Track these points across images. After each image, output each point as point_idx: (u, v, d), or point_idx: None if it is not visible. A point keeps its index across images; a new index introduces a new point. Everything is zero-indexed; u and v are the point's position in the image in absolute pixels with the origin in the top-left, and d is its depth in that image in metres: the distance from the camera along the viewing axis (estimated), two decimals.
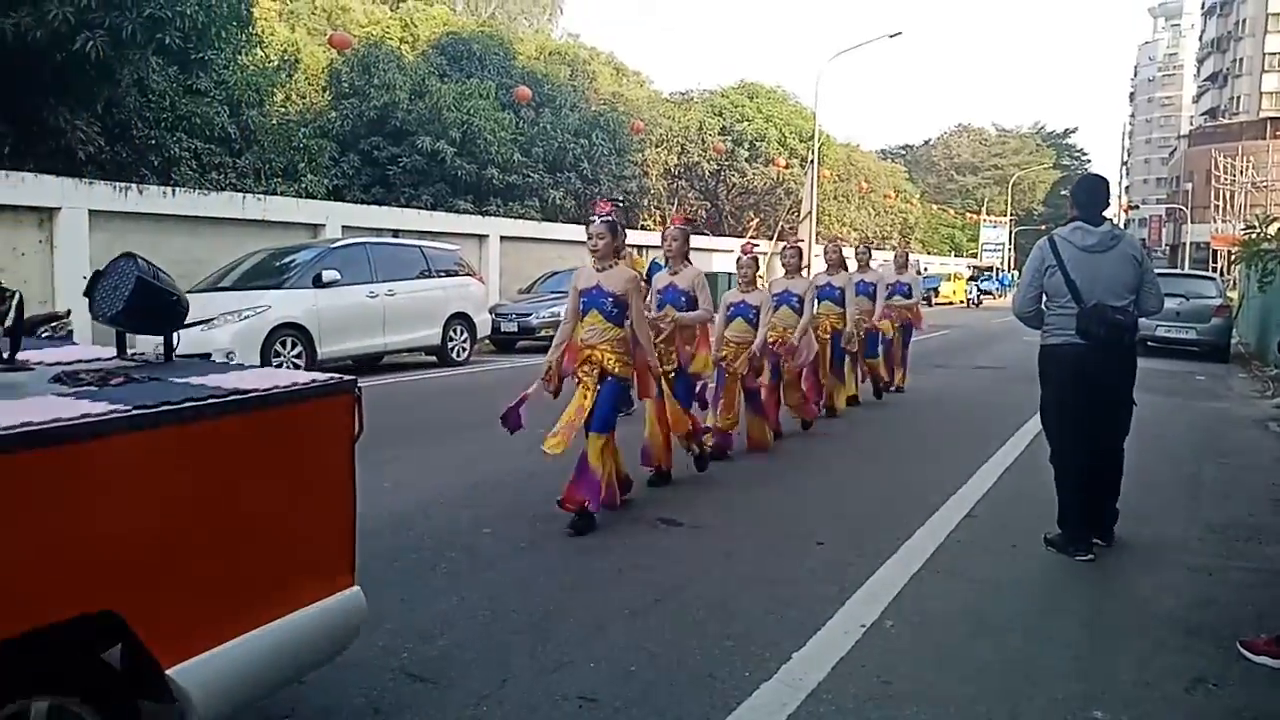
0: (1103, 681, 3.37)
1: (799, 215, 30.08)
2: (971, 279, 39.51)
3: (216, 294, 11.49)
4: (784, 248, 8.03)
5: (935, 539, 4.99)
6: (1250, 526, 5.49)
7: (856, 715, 3.06)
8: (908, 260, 11.36)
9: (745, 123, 33.97)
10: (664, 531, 5.14)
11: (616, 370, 5.18)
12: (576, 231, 23.12)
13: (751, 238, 33.25)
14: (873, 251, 10.42)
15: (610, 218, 5.27)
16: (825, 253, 9.16)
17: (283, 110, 20.38)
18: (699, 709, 3.08)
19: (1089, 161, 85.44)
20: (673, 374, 5.98)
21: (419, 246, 13.79)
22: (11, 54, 11.99)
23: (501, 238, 19.94)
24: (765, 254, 30.15)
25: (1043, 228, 68.52)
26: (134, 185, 13.18)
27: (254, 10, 16.31)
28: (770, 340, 7.14)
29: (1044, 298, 4.83)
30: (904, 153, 76.74)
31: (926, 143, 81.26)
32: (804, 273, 8.16)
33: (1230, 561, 4.82)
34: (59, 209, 11.77)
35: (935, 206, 56.32)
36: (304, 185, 17.85)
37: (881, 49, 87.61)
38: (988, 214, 60.45)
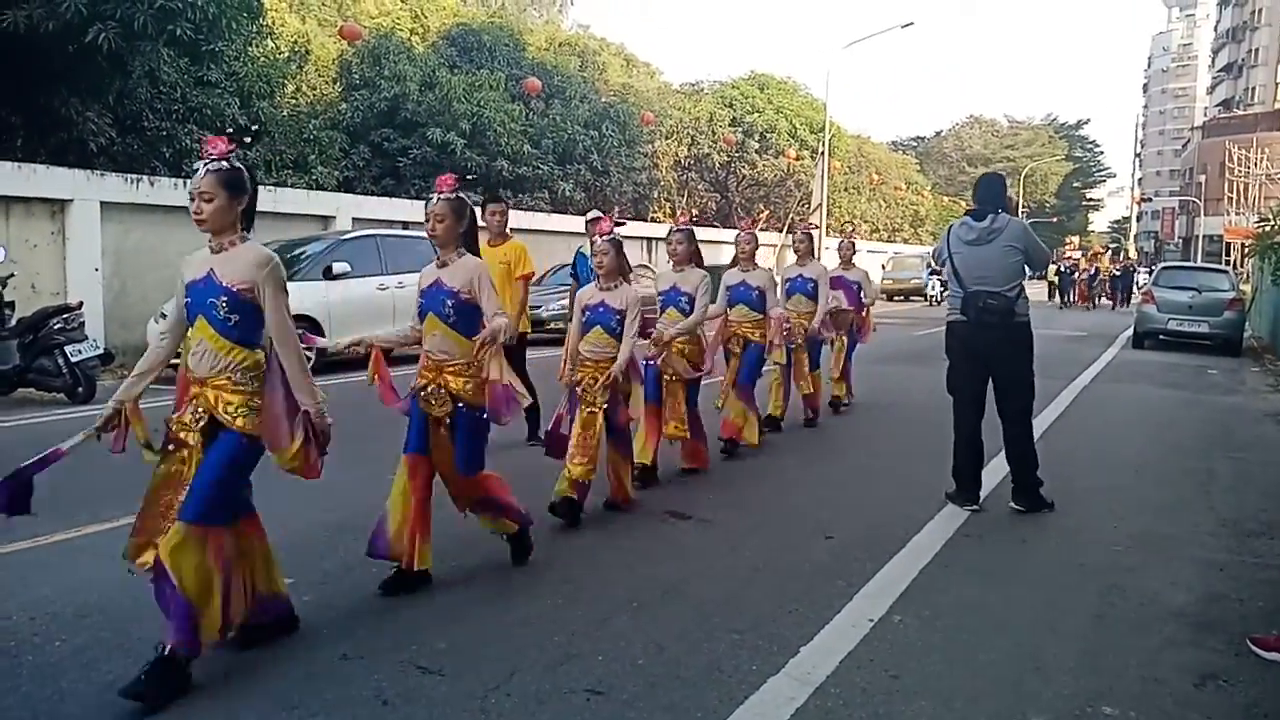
0: (1111, 677, 3.36)
1: (809, 207, 29.96)
2: (933, 272, 32.58)
3: None
4: (795, 234, 8.13)
5: (943, 533, 4.99)
6: (1262, 521, 5.47)
7: (865, 709, 3.06)
8: (854, 253, 9.41)
9: (756, 114, 33.85)
10: (672, 525, 5.14)
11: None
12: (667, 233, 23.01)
13: (761, 229, 33.24)
14: (814, 239, 8.90)
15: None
16: (794, 242, 8.36)
17: (293, 102, 20.39)
18: (707, 702, 3.08)
19: (1101, 153, 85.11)
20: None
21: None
22: (23, 46, 12.01)
23: (511, 230, 19.91)
24: (775, 246, 30.10)
25: (1055, 220, 68.26)
26: (145, 177, 13.19)
27: (265, 1, 16.30)
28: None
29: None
30: (915, 144, 76.37)
31: (938, 134, 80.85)
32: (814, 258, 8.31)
33: (1241, 557, 4.80)
34: (71, 201, 11.81)
35: (947, 198, 56.05)
36: (314, 177, 17.87)
37: (893, 39, 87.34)
38: None
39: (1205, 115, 73.60)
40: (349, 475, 5.90)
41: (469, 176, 4.98)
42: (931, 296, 30.71)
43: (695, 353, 6.03)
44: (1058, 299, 31.24)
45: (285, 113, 18.80)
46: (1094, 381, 11.73)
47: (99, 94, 13.72)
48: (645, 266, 20.07)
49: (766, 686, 3.18)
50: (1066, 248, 37.88)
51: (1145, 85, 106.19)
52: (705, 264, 6.21)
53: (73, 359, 8.91)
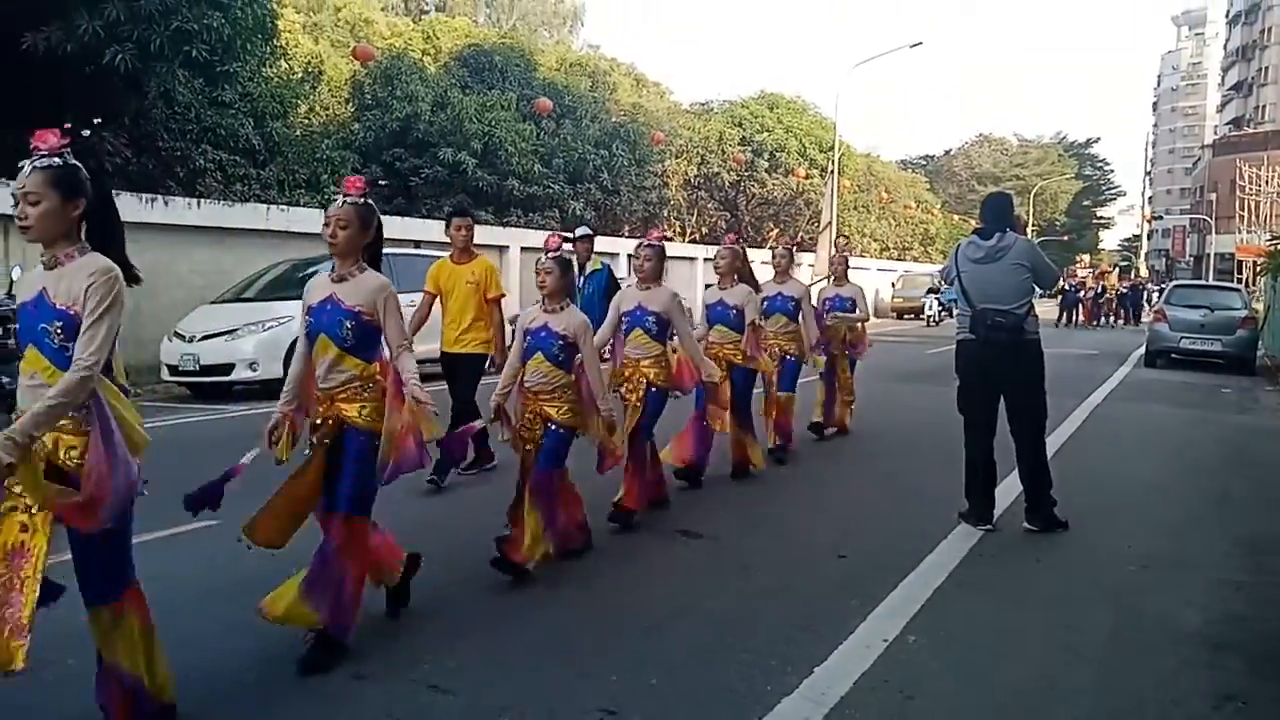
0: (1128, 698, 3.33)
1: (819, 225, 30.00)
2: (930, 291, 31.13)
3: (240, 305, 11.60)
4: (776, 249, 7.66)
5: (957, 553, 4.96)
6: (1278, 540, 5.43)
7: None
8: (847, 268, 8.97)
9: (765, 133, 33.95)
10: (684, 544, 5.13)
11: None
12: (595, 243, 23.13)
13: (770, 246, 33.26)
14: (794, 255, 8.26)
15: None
16: (774, 258, 7.69)
17: (306, 122, 20.57)
18: None
19: (1112, 171, 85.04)
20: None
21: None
22: (42, 67, 12.17)
23: (522, 248, 20.00)
24: (827, 267, 30.09)
25: (1065, 238, 68.17)
26: (160, 196, 13.32)
27: (279, 23, 16.48)
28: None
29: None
30: (925, 163, 76.38)
31: (947, 153, 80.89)
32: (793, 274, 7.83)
33: (1258, 576, 4.76)
34: None
35: (957, 216, 55.98)
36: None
37: (902, 59, 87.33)
38: None
39: (1215, 133, 73.52)
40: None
41: (381, 182, 4.75)
42: (929, 317, 29.91)
43: (663, 376, 5.46)
44: (1063, 318, 31.00)
45: (298, 133, 18.96)
46: (1106, 400, 11.67)
47: (115, 115, 13.87)
48: None
49: (781, 707, 3.16)
50: (1077, 266, 37.77)
51: (1155, 104, 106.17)
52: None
53: None
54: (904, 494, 6.42)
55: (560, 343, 4.52)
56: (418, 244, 15.90)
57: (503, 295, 6.68)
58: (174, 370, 10.98)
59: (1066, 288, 31.11)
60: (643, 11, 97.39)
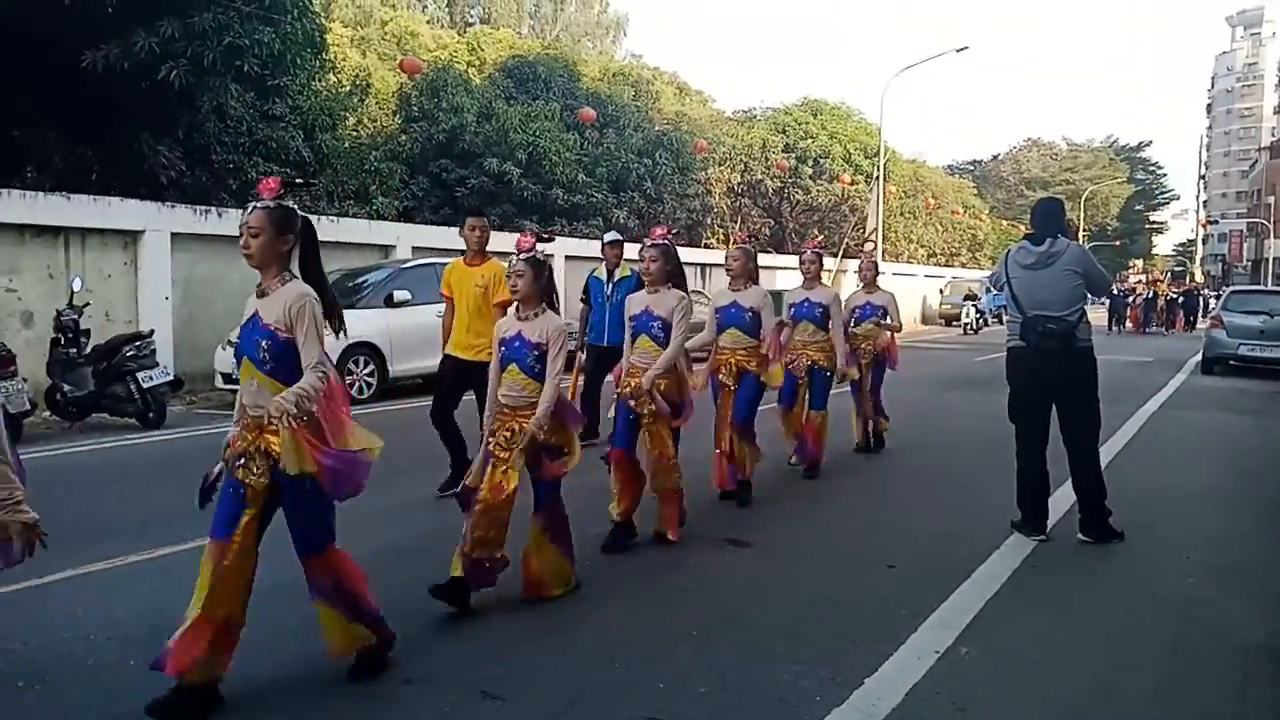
0: (1191, 713, 3.25)
1: (864, 232, 29.78)
2: (968, 298, 29.99)
3: None
4: (803, 254, 7.16)
5: (1010, 563, 4.88)
6: None
7: None
8: (877, 274, 8.55)
9: (809, 139, 33.79)
10: (731, 552, 5.11)
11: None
12: (635, 250, 23.20)
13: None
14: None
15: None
16: (801, 263, 7.18)
17: (354, 134, 20.86)
18: None
19: (1165, 175, 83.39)
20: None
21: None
22: (100, 84, 12.49)
23: (566, 257, 20.09)
24: (831, 271, 29.92)
25: (1117, 244, 66.95)
26: (213, 208, 13.58)
27: (327, 37, 16.75)
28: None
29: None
30: (972, 168, 75.53)
31: (995, 158, 79.92)
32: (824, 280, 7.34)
33: None
34: (143, 232, 12.19)
35: (1005, 222, 55.23)
36: (375, 207, 18.24)
37: (948, 63, 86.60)
38: None
39: (1273, 135, 71.74)
40: (408, 499, 5.99)
41: (298, 180, 4.36)
42: (966, 325, 28.95)
43: (673, 387, 5.08)
44: (1113, 324, 30.37)
45: (347, 145, 19.24)
46: (1162, 408, 11.43)
47: (169, 129, 14.21)
48: (699, 293, 20.10)
49: (831, 718, 3.14)
50: (1130, 272, 37.02)
51: (1209, 105, 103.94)
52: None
53: (144, 385, 9.17)
54: (954, 503, 6.33)
55: (535, 352, 4.16)
56: (463, 254, 16.02)
57: (510, 301, 6.39)
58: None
59: (1116, 293, 30.51)
60: (686, 21, 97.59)
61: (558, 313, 4.38)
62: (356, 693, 3.30)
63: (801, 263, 7.15)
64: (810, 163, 33.38)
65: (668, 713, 3.16)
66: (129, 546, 4.91)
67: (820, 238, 34.71)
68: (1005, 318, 5.64)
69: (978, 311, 29.43)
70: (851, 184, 33.06)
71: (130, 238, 12.16)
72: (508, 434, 4.15)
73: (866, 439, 8.10)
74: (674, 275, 5.27)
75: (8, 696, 3.27)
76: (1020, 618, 4.14)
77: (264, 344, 3.17)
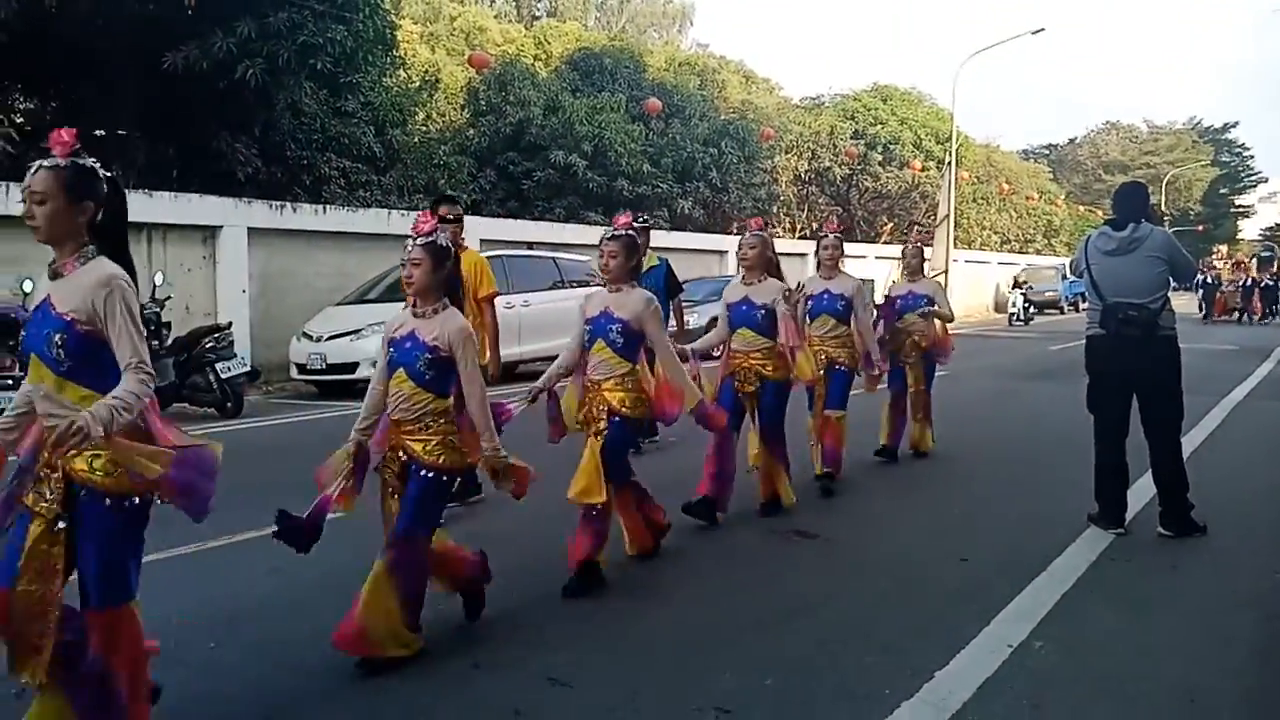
0: None
1: (935, 219, 29.24)
2: (1015, 286, 28.81)
3: (364, 306, 12.04)
4: (823, 239, 6.39)
5: (1087, 557, 4.75)
6: None
7: None
8: (923, 261, 7.79)
9: (878, 126, 33.28)
10: (797, 543, 5.07)
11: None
12: (704, 240, 23.18)
13: (885, 241, 32.54)
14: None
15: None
16: (819, 250, 6.45)
17: (424, 129, 21.18)
18: None
19: (1251, 157, 79.92)
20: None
21: (552, 258, 14.12)
22: (180, 85, 12.89)
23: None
24: (898, 260, 29.45)
25: (1200, 229, 64.61)
26: (288, 203, 13.92)
27: (398, 34, 17.01)
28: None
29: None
30: (1048, 152, 73.55)
31: (1072, 141, 77.65)
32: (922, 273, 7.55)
33: None
34: (221, 227, 12.55)
35: (1082, 208, 53.71)
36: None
37: (1023, 45, 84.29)
38: None
39: None
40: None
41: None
42: (1013, 314, 27.36)
43: (628, 401, 4.35)
44: (1204, 311, 29.30)
45: (417, 139, 19.54)
46: (1248, 398, 11.00)
47: (246, 126, 14.60)
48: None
49: (900, 711, 3.09)
50: (1214, 257, 35.65)
51: None
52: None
53: (223, 376, 9.44)
54: (1027, 496, 6.18)
55: (428, 356, 3.42)
56: (530, 245, 16.19)
57: (495, 294, 5.82)
58: (302, 369, 11.47)
59: (1207, 280, 29.38)
60: (752, 8, 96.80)
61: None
62: (425, 677, 3.36)
63: (820, 249, 6.43)
64: (880, 149, 32.87)
65: (734, 703, 3.14)
66: (210, 532, 5.06)
67: (890, 225, 34.23)
68: (1084, 305, 5.48)
69: (1026, 301, 27.85)
70: (922, 170, 32.48)
71: (209, 233, 12.54)
72: (390, 455, 3.54)
73: (892, 447, 7.17)
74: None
75: None
76: (1098, 613, 4.03)
77: (57, 338, 2.53)
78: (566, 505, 4.26)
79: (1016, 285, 28.69)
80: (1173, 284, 5.26)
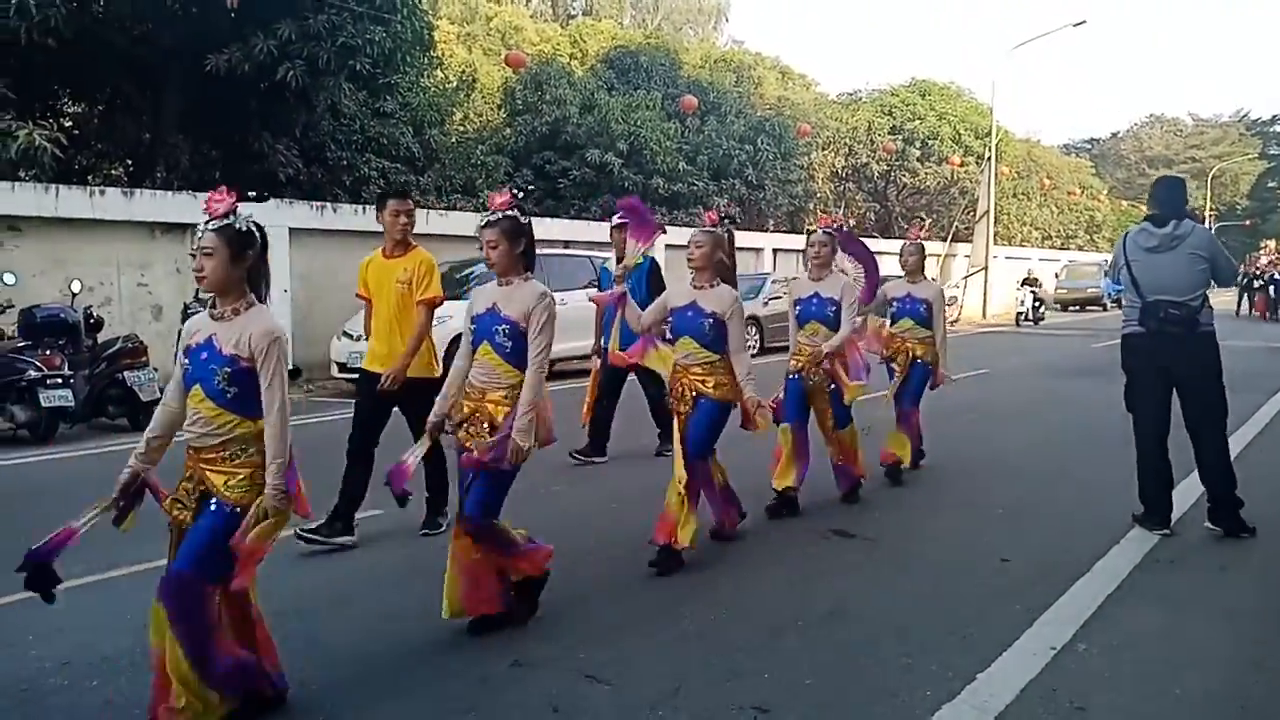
0: None
1: (975, 215, 28.90)
2: (1025, 283, 26.27)
3: None
4: (812, 234, 5.81)
5: (1132, 558, 4.68)
6: None
7: None
8: (924, 259, 6.96)
9: (917, 121, 32.94)
10: (836, 543, 5.04)
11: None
12: (740, 238, 23.07)
13: (924, 238, 32.23)
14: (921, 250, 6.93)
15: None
16: (808, 247, 5.86)
17: (461, 129, 21.32)
18: None
19: None
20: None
21: (588, 257, 14.15)
22: (222, 87, 13.07)
23: (666, 246, 20.13)
24: (939, 256, 29.14)
25: (1247, 224, 63.25)
26: (328, 204, 14.07)
27: (435, 35, 17.13)
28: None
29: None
30: (1090, 146, 72.39)
31: (1114, 135, 76.36)
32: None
33: None
34: (263, 227, 12.71)
35: (1125, 203, 52.80)
36: (481, 200, 18.58)
37: (1064, 38, 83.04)
38: None
39: None
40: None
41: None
42: (1021, 313, 25.37)
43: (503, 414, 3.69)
44: (1245, 309, 28.52)
45: (454, 140, 19.67)
46: None
47: (287, 128, 14.78)
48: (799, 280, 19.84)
49: (941, 713, 3.06)
50: (1261, 253, 34.81)
51: None
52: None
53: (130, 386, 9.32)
54: (1071, 496, 6.10)
55: (227, 370, 2.91)
56: (566, 244, 16.23)
57: (436, 299, 5.16)
58: (342, 367, 11.59)
59: (1261, 277, 28.60)
60: (788, 4, 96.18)
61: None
62: (464, 674, 3.38)
63: (809, 245, 5.75)
64: (918, 145, 32.54)
65: (773, 703, 3.14)
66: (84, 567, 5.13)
67: (928, 222, 33.86)
68: (1124, 302, 5.37)
69: (1036, 299, 25.74)
70: (961, 166, 32.11)
71: None
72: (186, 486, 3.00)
73: (909, 455, 6.49)
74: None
75: (142, 672, 3.45)
76: (1143, 615, 3.96)
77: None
78: (596, 506, 4.27)
79: (1026, 283, 26.34)
80: (1212, 284, 5.17)
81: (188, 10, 12.83)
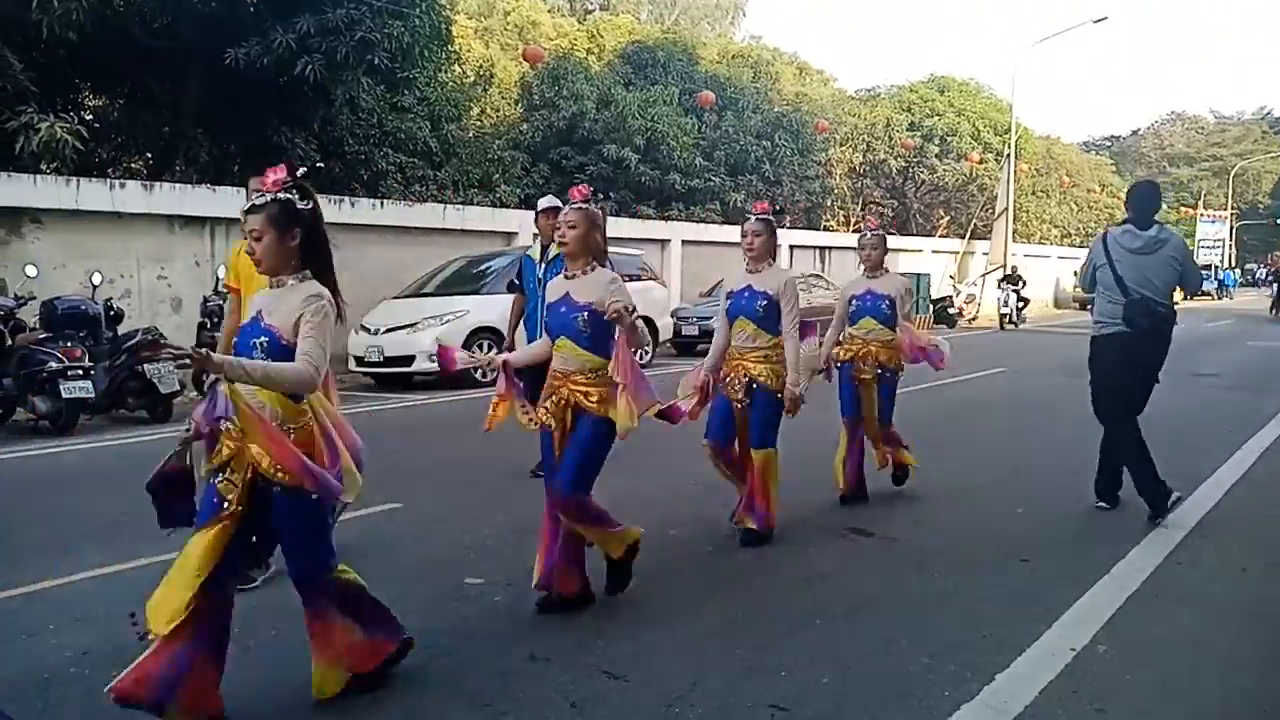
0: None
1: (993, 212, 28.74)
2: (1006, 280, 24.14)
3: (420, 299, 12.19)
4: (746, 222, 5.02)
5: (1153, 559, 4.64)
6: None
7: None
8: (885, 252, 5.95)
9: (935, 118, 32.76)
10: (854, 542, 5.02)
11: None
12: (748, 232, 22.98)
13: (941, 235, 32.06)
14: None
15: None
16: (743, 236, 4.99)
17: (478, 124, 21.34)
18: None
19: None
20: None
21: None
22: (242, 80, 13.13)
23: (683, 242, 20.11)
24: (956, 253, 28.99)
25: (1269, 222, 62.62)
26: (346, 198, 14.13)
27: (453, 29, 17.14)
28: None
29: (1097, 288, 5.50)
30: (1110, 144, 71.89)
31: (1135, 133, 75.81)
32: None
33: None
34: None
35: None
36: (498, 195, 18.61)
37: (1085, 35, 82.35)
38: (1205, 208, 55.83)
39: None
40: (532, 481, 6.10)
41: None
42: (1005, 314, 23.30)
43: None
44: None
45: (471, 134, 19.70)
46: None
47: (305, 122, 14.82)
48: (819, 276, 19.78)
49: (960, 714, 3.04)
50: None
51: None
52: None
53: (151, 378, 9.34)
54: (1090, 496, 6.04)
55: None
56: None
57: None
58: (360, 361, 11.65)
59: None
60: None
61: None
62: (483, 668, 3.39)
63: (743, 236, 4.99)
64: (936, 141, 32.38)
65: (790, 701, 3.12)
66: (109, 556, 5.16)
67: (946, 219, 33.64)
68: (1098, 303, 5.49)
69: (1020, 299, 23.74)
70: (980, 163, 31.93)
71: None
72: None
73: (853, 488, 5.82)
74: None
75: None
76: (1165, 616, 3.93)
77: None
78: (613, 504, 4.25)
79: (1006, 280, 23.89)
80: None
81: (208, 4, 12.89)
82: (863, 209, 31.93)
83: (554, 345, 3.93)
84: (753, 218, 4.95)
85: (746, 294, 4.89)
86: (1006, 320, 23.28)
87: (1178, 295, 5.55)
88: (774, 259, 5.05)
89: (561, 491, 3.79)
